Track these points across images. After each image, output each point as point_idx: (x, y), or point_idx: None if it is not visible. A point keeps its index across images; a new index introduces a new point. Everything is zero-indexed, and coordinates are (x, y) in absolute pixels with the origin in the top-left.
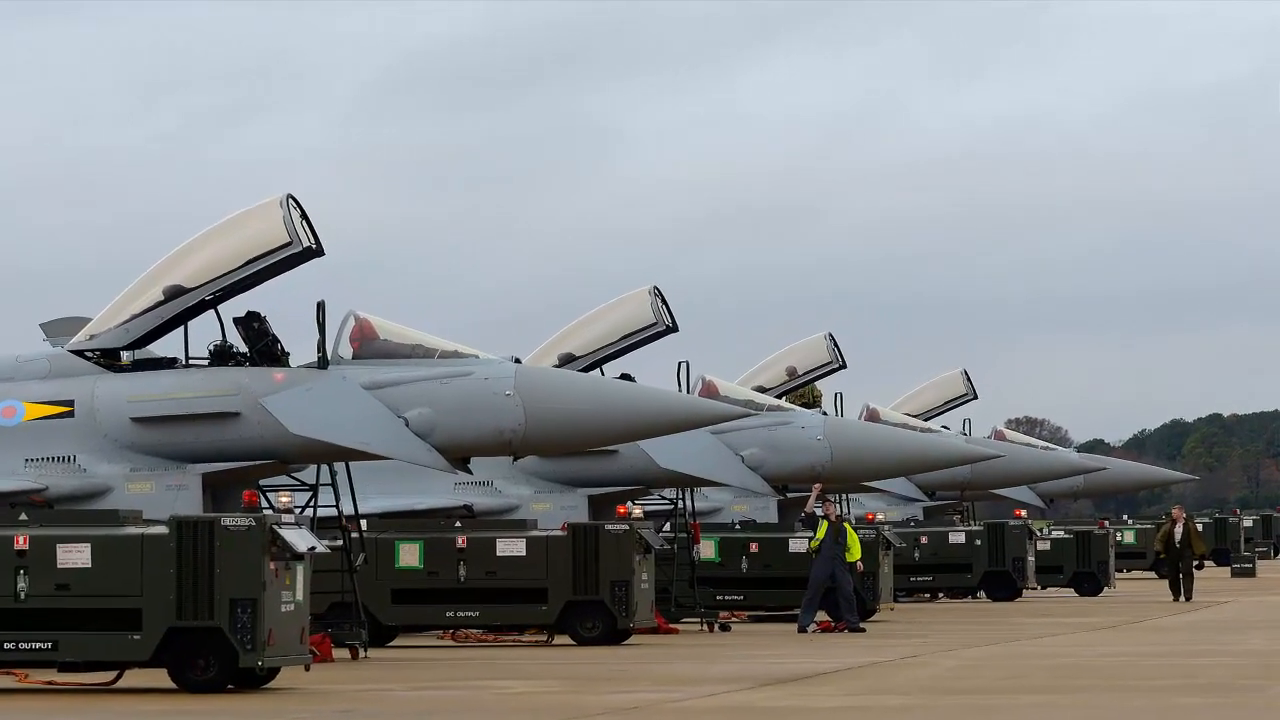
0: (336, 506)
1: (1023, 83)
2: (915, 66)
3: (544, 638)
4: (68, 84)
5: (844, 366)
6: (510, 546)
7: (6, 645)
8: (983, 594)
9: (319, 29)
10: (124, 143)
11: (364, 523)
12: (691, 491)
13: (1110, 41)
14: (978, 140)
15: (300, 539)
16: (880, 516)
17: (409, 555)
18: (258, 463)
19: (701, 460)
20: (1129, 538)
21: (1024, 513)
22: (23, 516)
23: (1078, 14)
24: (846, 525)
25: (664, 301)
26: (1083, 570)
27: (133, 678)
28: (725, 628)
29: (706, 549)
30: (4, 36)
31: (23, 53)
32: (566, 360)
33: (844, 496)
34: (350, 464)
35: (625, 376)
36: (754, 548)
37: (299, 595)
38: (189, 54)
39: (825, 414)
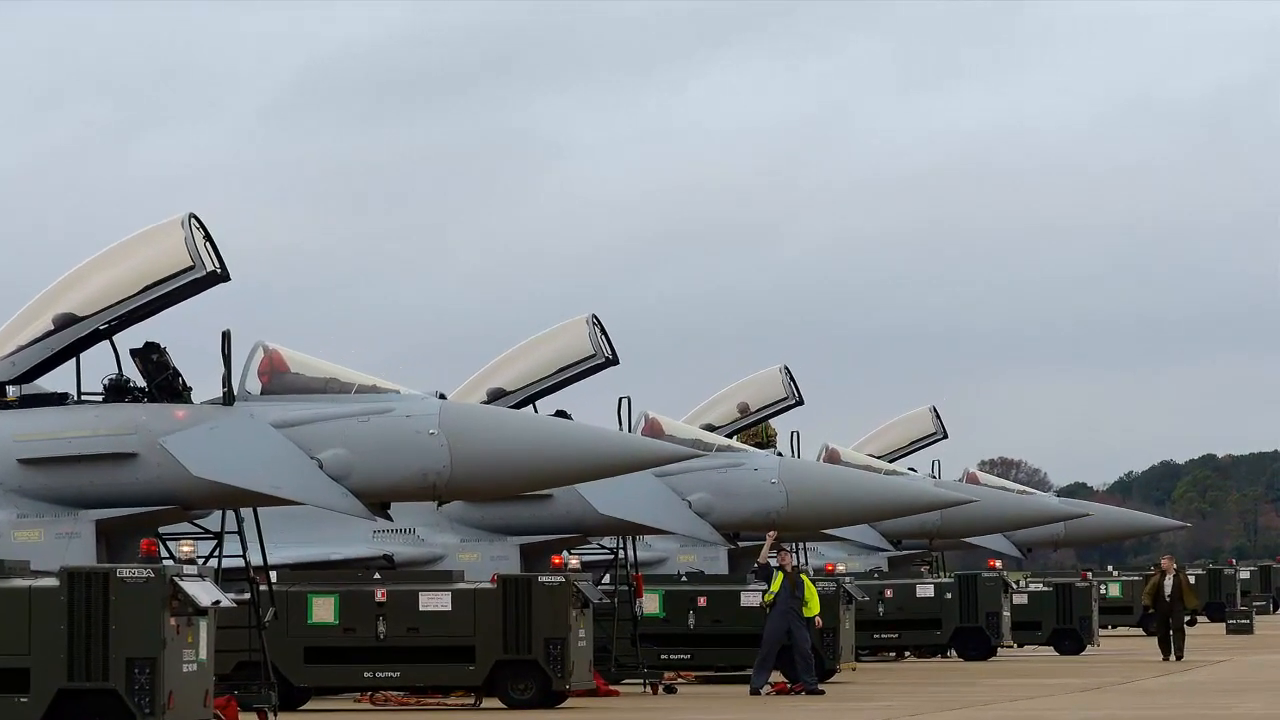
0: (243, 556)
1: (997, 92)
2: (879, 74)
3: (471, 700)
4: None
5: (801, 403)
6: (434, 600)
7: None
8: (953, 652)
9: (224, 32)
10: (8, 158)
11: (274, 574)
12: (633, 540)
13: (1092, 45)
14: (948, 155)
15: (204, 592)
16: (841, 567)
17: (323, 610)
18: (157, 508)
19: (644, 506)
20: (1114, 591)
21: (999, 563)
22: None
23: (1057, 16)
24: (804, 577)
25: (603, 331)
26: (1063, 627)
27: None
28: (671, 689)
29: (650, 603)
30: None
31: None
32: (496, 396)
33: (801, 545)
34: (259, 510)
35: (561, 413)
36: (702, 602)
37: (202, 654)
38: (80, 61)
39: (780, 455)
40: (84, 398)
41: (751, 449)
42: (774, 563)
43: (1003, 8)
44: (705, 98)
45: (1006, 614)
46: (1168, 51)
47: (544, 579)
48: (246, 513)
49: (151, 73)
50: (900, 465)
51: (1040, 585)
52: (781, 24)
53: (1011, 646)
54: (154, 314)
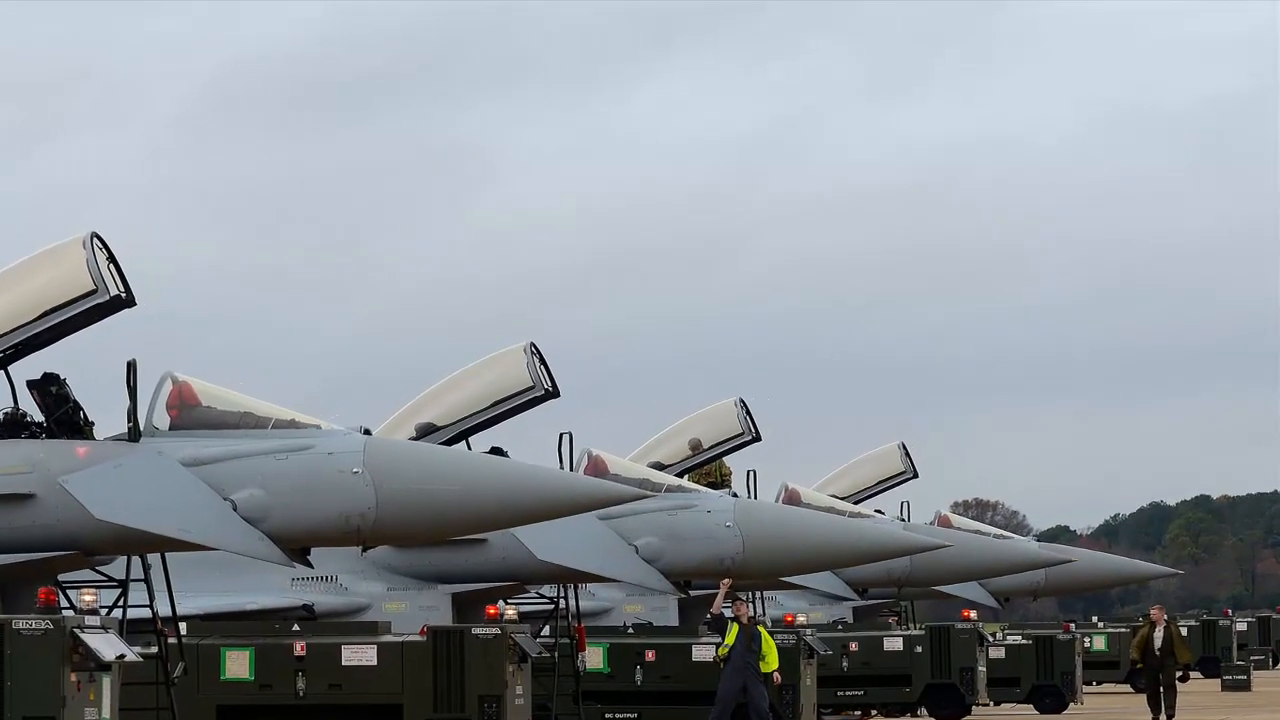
0: (150, 606)
1: (972, 99)
2: (844, 81)
3: None
4: None
5: (758, 439)
6: (358, 655)
7: None
8: (924, 711)
9: (127, 34)
10: None
11: (184, 626)
12: (575, 589)
13: (1076, 50)
14: (918, 168)
15: (107, 645)
16: (802, 618)
17: (237, 665)
18: (56, 554)
19: (587, 551)
20: (1099, 644)
21: (974, 614)
22: None
23: (1037, 17)
24: (761, 629)
25: (542, 361)
26: (1044, 683)
27: None
28: None
29: (594, 657)
30: None
31: None
32: (426, 431)
33: (758, 594)
34: (167, 555)
35: (496, 450)
36: (650, 656)
37: (105, 712)
38: None
39: (736, 495)
40: None
41: (704, 489)
42: (728, 613)
43: (978, 8)
44: (651, 106)
45: (982, 669)
46: (1155, 57)
47: (478, 631)
48: (154, 559)
49: (50, 76)
50: (866, 507)
51: (1019, 638)
52: (736, 26)
53: (987, 705)
54: (53, 342)
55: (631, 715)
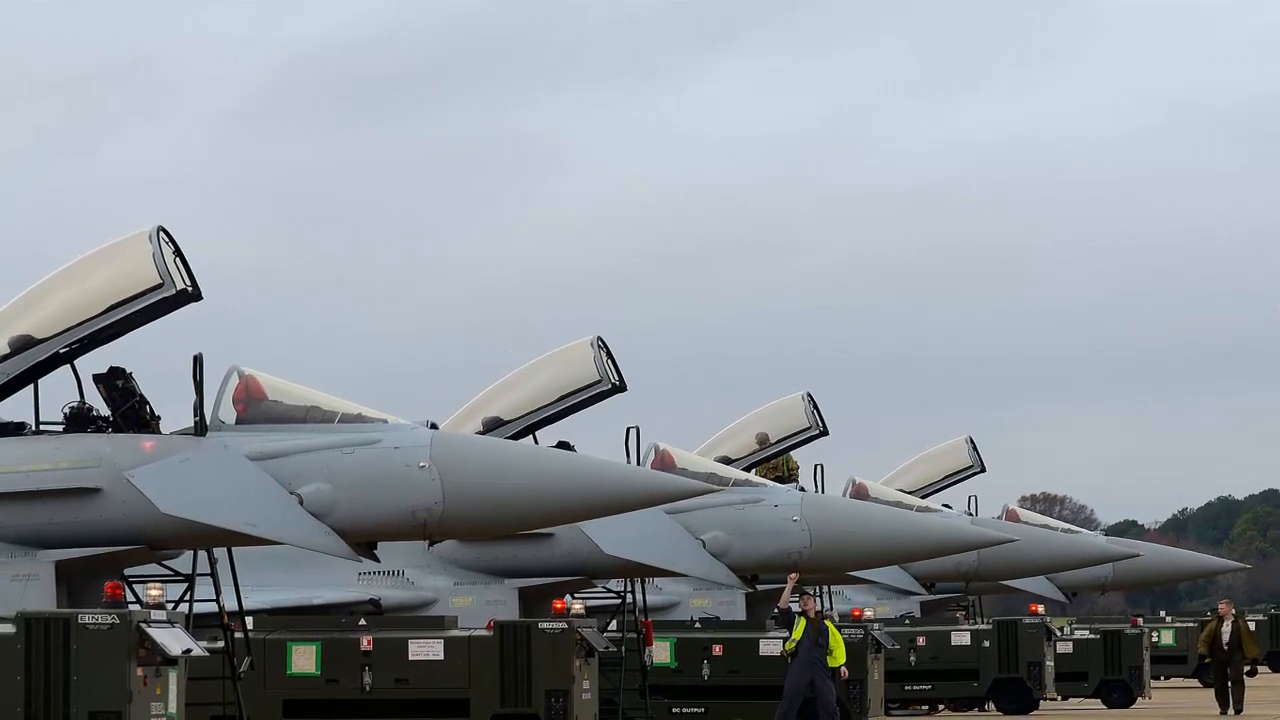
0: (217, 601)
1: (1030, 95)
2: (897, 77)
3: None
4: None
5: (825, 433)
6: (425, 649)
7: None
8: (991, 705)
9: (186, 30)
10: None
11: (250, 620)
12: (643, 583)
13: (1130, 47)
14: (976, 165)
15: (173, 640)
16: (869, 613)
17: (304, 660)
18: (122, 548)
19: (655, 545)
20: (1167, 638)
21: (1041, 608)
22: None
23: (1095, 13)
24: (829, 623)
25: (609, 355)
26: (1112, 677)
27: None
28: None
29: (660, 652)
30: None
31: None
32: (493, 425)
33: (826, 589)
34: (233, 550)
35: (563, 445)
36: (717, 650)
37: (172, 707)
38: (26, 62)
39: (803, 490)
40: (43, 427)
41: (771, 484)
42: (796, 608)
43: (1036, 3)
44: (710, 101)
45: (1049, 664)
46: (1213, 54)
47: (545, 625)
48: (220, 553)
49: (109, 71)
50: (934, 501)
51: (1086, 632)
52: (790, 23)
53: (1055, 699)
54: (119, 336)
55: (698, 710)
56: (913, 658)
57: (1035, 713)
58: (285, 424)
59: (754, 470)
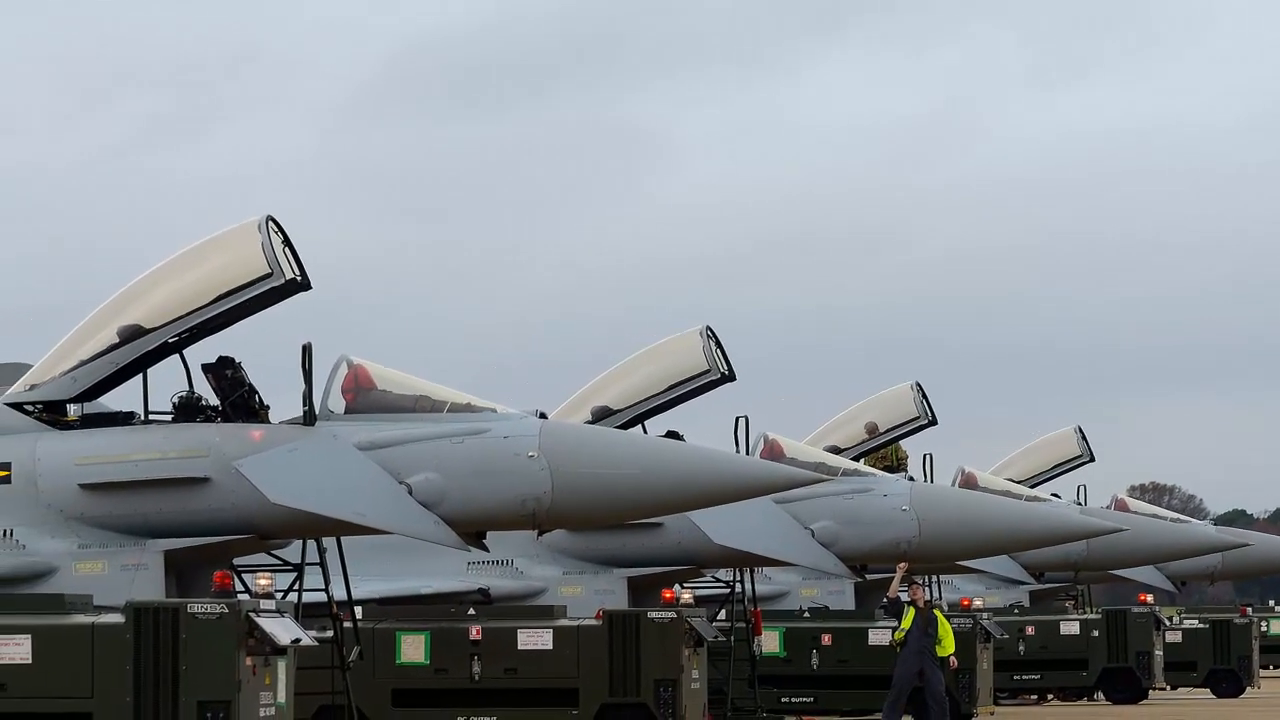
0: (326, 590)
1: (1142, 85)
2: (1006, 66)
3: None
4: None
5: (934, 423)
6: (534, 639)
7: None
8: (1100, 695)
9: (295, 19)
10: (64, 157)
11: (359, 610)
12: (752, 572)
13: (1245, 35)
14: (1089, 155)
15: (282, 629)
16: (978, 602)
17: (413, 649)
18: (231, 538)
19: (763, 535)
20: (1276, 628)
21: (1150, 598)
22: None
23: (1205, 2)
24: (937, 613)
25: (718, 344)
26: (1221, 667)
27: None
28: None
29: (770, 641)
30: None
31: None
32: (602, 415)
33: (934, 578)
34: (342, 539)
35: (672, 434)
36: (826, 640)
37: (281, 697)
38: (136, 51)
39: (912, 480)
40: (152, 417)
41: (880, 473)
42: (905, 597)
43: None
44: (820, 91)
45: (1158, 653)
46: None
47: (654, 615)
48: (329, 542)
49: (217, 64)
50: (1042, 491)
51: (1195, 622)
52: (902, 11)
53: (1164, 689)
54: (228, 326)
55: (807, 699)
56: (1021, 647)
57: (1144, 702)
58: (394, 413)
59: (863, 460)
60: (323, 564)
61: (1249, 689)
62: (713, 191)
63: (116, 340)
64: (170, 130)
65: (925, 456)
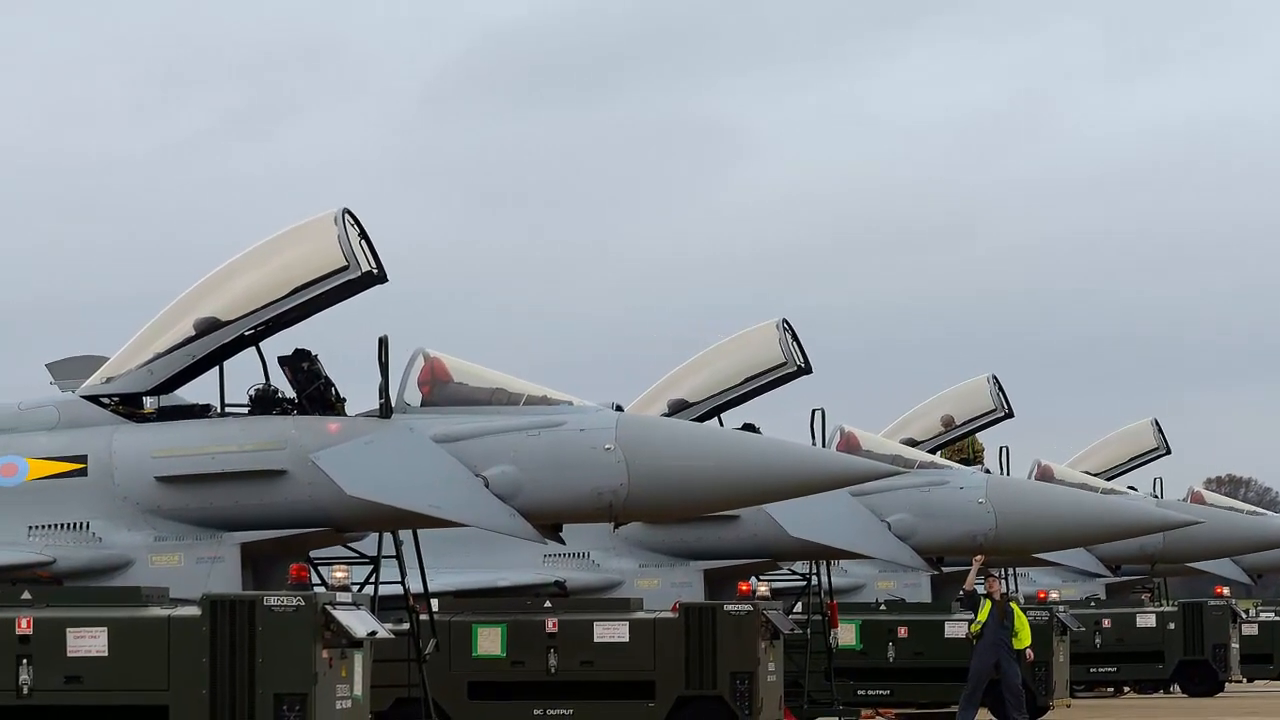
0: (402, 583)
1: (1220, 75)
2: (1087, 56)
3: None
4: (66, 79)
5: (1011, 415)
6: (610, 631)
7: None
8: (1177, 688)
9: (370, 13)
10: (137, 150)
11: (435, 603)
12: (828, 565)
13: None
14: (1165, 146)
15: (359, 622)
16: (1054, 595)
17: (489, 642)
18: (308, 530)
19: (840, 528)
20: None
21: (1227, 590)
22: (26, 595)
23: None
24: (1014, 605)
25: (794, 337)
26: None
27: None
28: None
29: (846, 634)
30: None
31: (10, 42)
32: (678, 408)
33: (1011, 571)
34: (419, 532)
35: (748, 427)
36: (903, 632)
37: (357, 689)
38: (211, 43)
39: (988, 472)
40: (228, 410)
41: (957, 466)
42: (981, 590)
43: None
44: (894, 84)
45: (1235, 646)
46: None
47: (730, 607)
48: (405, 535)
49: (291, 58)
50: (1119, 483)
51: (1272, 614)
52: (977, 2)
53: (1240, 681)
54: (304, 318)
55: (884, 692)
56: (1098, 640)
57: (1220, 695)
58: (470, 406)
59: (939, 452)
60: (399, 556)
61: None
62: (789, 185)
63: (193, 333)
64: (247, 122)
65: (1001, 449)
